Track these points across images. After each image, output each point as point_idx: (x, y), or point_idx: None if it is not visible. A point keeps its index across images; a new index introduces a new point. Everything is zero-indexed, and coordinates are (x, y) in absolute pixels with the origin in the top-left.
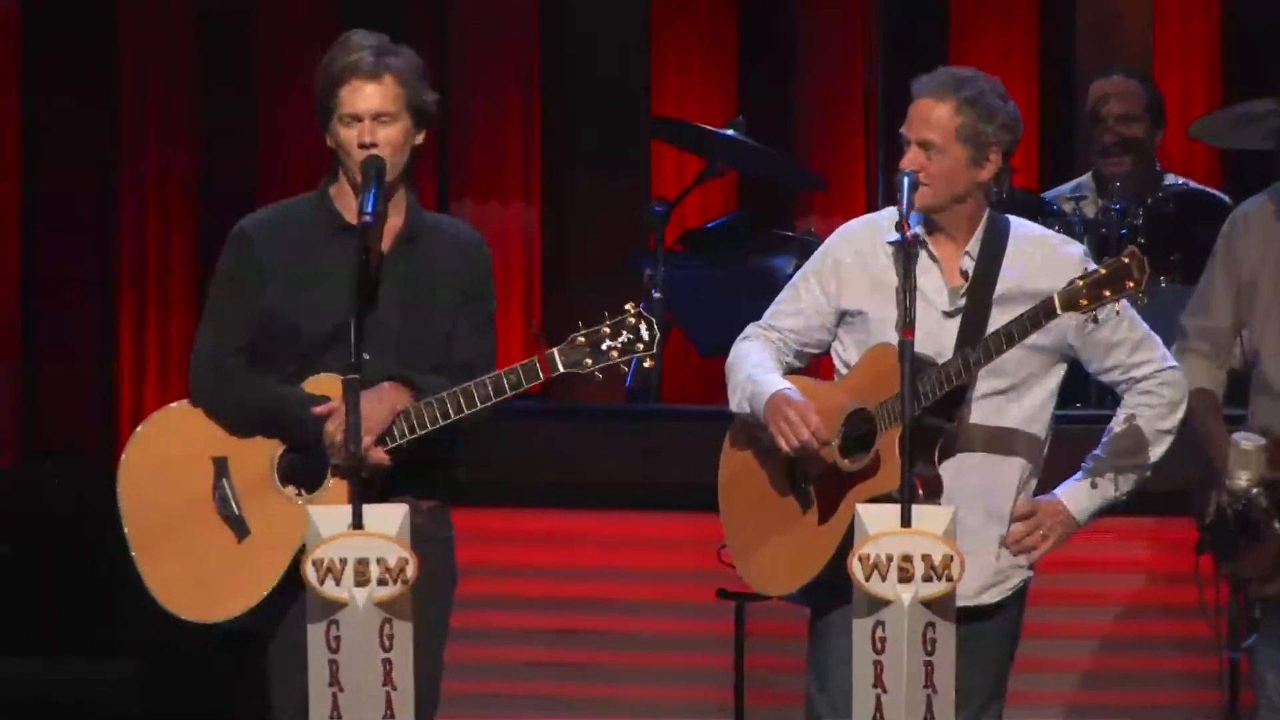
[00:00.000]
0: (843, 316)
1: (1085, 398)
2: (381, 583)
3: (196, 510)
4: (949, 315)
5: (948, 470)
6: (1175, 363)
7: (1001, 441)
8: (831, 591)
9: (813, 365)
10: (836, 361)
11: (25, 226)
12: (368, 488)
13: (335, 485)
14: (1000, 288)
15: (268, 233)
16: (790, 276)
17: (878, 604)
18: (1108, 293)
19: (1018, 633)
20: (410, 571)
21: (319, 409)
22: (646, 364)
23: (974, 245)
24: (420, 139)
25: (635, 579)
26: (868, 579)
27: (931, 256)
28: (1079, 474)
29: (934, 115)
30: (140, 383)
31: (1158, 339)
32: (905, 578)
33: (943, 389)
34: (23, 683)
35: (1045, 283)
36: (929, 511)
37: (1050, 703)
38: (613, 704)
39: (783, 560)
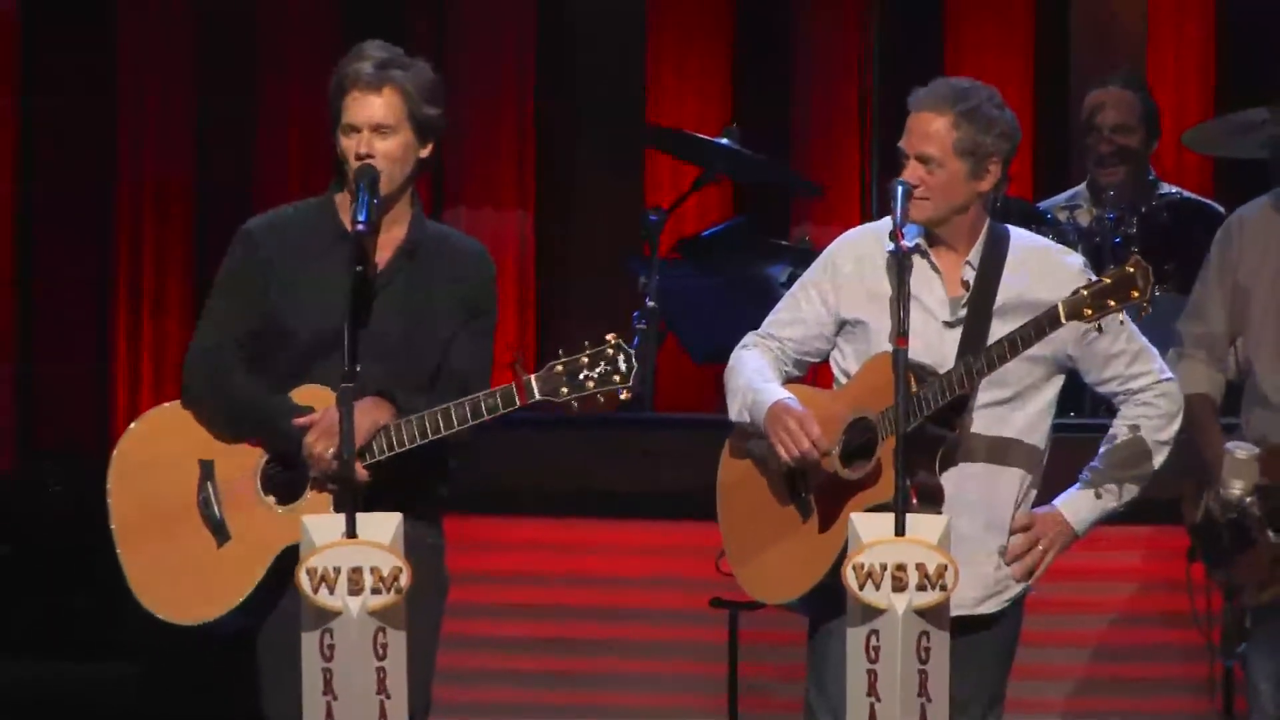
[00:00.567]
0: (842, 326)
1: (1079, 407)
2: (375, 591)
3: (180, 510)
4: (950, 325)
5: (949, 479)
6: (1172, 374)
7: (1002, 451)
8: (831, 599)
9: (810, 374)
10: (836, 371)
11: (22, 227)
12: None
13: (314, 497)
14: (1001, 298)
15: (272, 235)
16: (785, 284)
17: (872, 613)
18: (1112, 302)
19: (1016, 641)
20: (404, 580)
21: (300, 420)
22: (624, 396)
23: (975, 255)
24: (426, 153)
25: (629, 587)
26: (862, 588)
27: (933, 266)
28: (1078, 485)
29: (932, 129)
30: (136, 384)
31: (1155, 351)
32: (899, 587)
33: (944, 398)
34: (21, 683)
35: (1046, 293)
36: (923, 520)
37: (1047, 710)
38: (606, 712)
39: (782, 568)
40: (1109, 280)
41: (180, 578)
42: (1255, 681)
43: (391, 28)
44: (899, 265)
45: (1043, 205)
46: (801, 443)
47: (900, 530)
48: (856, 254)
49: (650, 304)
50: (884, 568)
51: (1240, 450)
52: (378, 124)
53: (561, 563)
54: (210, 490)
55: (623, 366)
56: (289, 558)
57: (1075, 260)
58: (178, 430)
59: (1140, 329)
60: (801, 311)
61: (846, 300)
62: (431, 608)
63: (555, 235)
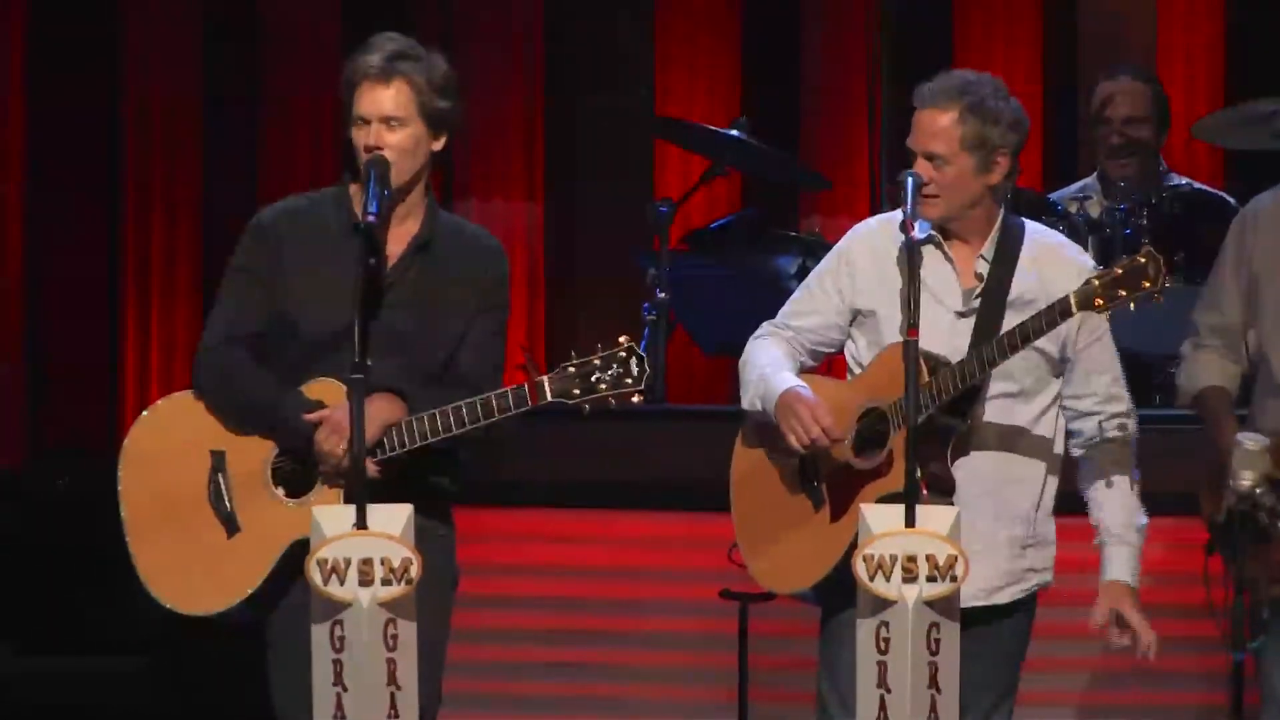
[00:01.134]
0: (856, 316)
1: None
2: (385, 583)
3: (191, 501)
4: (962, 315)
5: (961, 470)
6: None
7: (1014, 442)
8: (843, 589)
9: (824, 365)
10: (850, 360)
11: (30, 225)
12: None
13: (324, 491)
14: (1014, 291)
15: (284, 226)
16: (794, 276)
17: (882, 604)
18: (1124, 292)
19: (1029, 633)
20: (414, 571)
21: (310, 415)
22: (635, 399)
23: (989, 248)
24: (438, 145)
25: (639, 578)
26: (872, 579)
27: (946, 257)
28: (1109, 551)
29: (938, 126)
30: (145, 380)
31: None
32: (909, 578)
33: (957, 388)
34: (32, 680)
35: (1058, 287)
36: (933, 511)
37: (1060, 702)
38: (616, 704)
39: (794, 558)
40: (1121, 271)
41: (190, 568)
42: (1270, 674)
43: (399, 20)
44: (909, 256)
45: (1053, 196)
46: (812, 430)
47: (910, 521)
48: (870, 245)
49: (660, 296)
50: (894, 559)
51: (1250, 441)
52: (387, 116)
53: (571, 554)
54: (221, 482)
55: (635, 370)
56: (299, 550)
57: (1089, 260)
58: (189, 420)
59: (1150, 320)
60: (816, 302)
61: (860, 290)
62: (442, 599)
63: (564, 229)
